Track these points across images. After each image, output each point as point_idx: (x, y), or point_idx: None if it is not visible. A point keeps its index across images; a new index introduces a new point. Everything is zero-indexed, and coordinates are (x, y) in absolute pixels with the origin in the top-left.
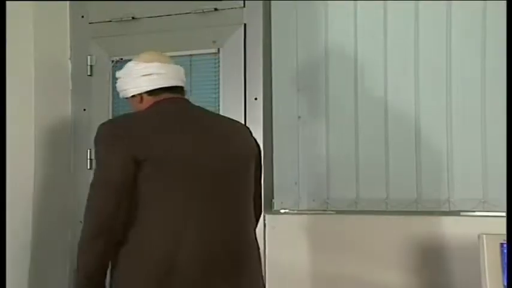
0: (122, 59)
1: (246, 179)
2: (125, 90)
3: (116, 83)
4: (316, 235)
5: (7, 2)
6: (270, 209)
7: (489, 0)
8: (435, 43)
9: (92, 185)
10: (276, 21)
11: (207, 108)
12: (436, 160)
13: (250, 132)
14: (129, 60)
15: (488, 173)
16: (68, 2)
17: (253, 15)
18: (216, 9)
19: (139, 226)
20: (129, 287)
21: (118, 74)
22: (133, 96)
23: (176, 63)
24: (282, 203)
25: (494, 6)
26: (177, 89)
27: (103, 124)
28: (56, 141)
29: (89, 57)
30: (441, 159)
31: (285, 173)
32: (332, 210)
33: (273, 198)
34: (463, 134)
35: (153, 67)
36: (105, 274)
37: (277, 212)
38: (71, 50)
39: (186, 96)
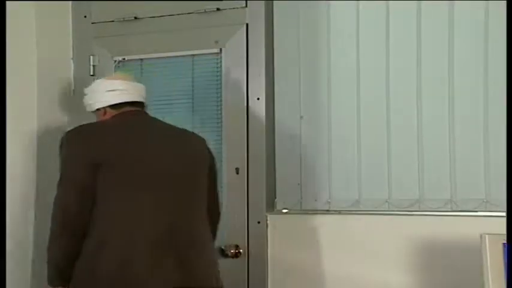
0: (124, 58)
1: (193, 185)
2: (91, 104)
3: (83, 98)
4: (318, 235)
5: (9, 2)
6: (272, 209)
7: (492, 0)
8: (437, 43)
9: (58, 185)
10: (278, 21)
11: (209, 108)
12: (438, 160)
13: (205, 143)
14: (132, 60)
15: (490, 173)
16: (70, 2)
17: (256, 15)
18: (218, 9)
19: (97, 222)
20: (91, 273)
21: (86, 90)
22: (98, 109)
23: (178, 63)
24: (284, 202)
25: (496, 6)
26: (137, 104)
27: (68, 131)
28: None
29: (91, 57)
30: (443, 159)
31: (287, 173)
32: (334, 211)
33: (275, 198)
34: (466, 133)
35: (117, 84)
36: (72, 265)
37: (279, 212)
38: (73, 50)
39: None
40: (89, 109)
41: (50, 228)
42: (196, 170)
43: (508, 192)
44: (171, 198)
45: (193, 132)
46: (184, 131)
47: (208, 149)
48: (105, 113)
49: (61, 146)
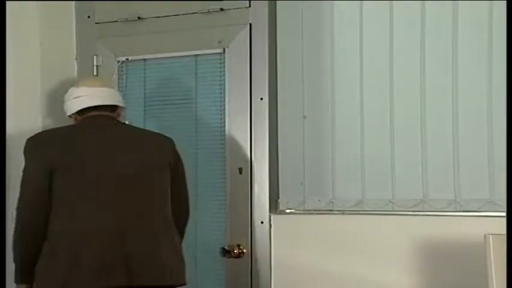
0: (128, 59)
1: (147, 186)
2: (65, 111)
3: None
4: (322, 235)
5: (13, 2)
6: (275, 209)
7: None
8: (441, 43)
9: (20, 190)
10: (282, 21)
11: (212, 108)
12: (442, 160)
13: (169, 144)
14: (135, 60)
15: (494, 173)
16: (73, 2)
17: (259, 15)
18: (221, 9)
19: (53, 224)
20: (47, 273)
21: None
22: (70, 116)
23: (182, 63)
24: (287, 202)
25: (500, 5)
26: (105, 108)
27: (28, 137)
28: None
29: (95, 57)
30: (447, 159)
31: (290, 173)
32: (338, 211)
33: (278, 198)
34: (470, 134)
35: (81, 91)
36: (33, 264)
37: (283, 212)
38: (77, 50)
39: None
40: (67, 115)
41: (14, 229)
42: (152, 171)
43: (508, 192)
44: (120, 200)
45: (157, 134)
46: (145, 133)
47: (172, 150)
48: (76, 119)
49: (23, 152)
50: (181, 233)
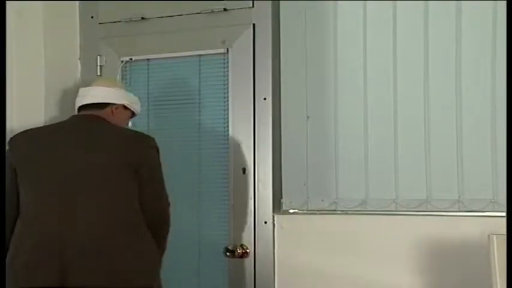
0: (131, 59)
1: (100, 187)
2: None
3: None
4: (325, 235)
5: (16, 2)
6: (278, 209)
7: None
8: (445, 43)
9: None
10: (285, 21)
11: (216, 108)
12: (446, 160)
13: (144, 148)
14: (139, 60)
15: (498, 173)
16: (77, 2)
17: (262, 15)
18: (225, 10)
19: (19, 219)
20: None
21: None
22: None
23: (185, 63)
24: (290, 203)
25: (504, 5)
26: (94, 106)
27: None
28: None
29: (98, 57)
30: (451, 159)
31: (293, 173)
32: (341, 211)
33: (281, 198)
34: (473, 134)
35: (80, 91)
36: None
37: (286, 212)
38: (80, 50)
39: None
40: None
41: None
42: (105, 172)
43: (508, 192)
44: (64, 200)
45: (130, 134)
46: (116, 132)
47: (142, 152)
48: None
49: None
50: (160, 245)
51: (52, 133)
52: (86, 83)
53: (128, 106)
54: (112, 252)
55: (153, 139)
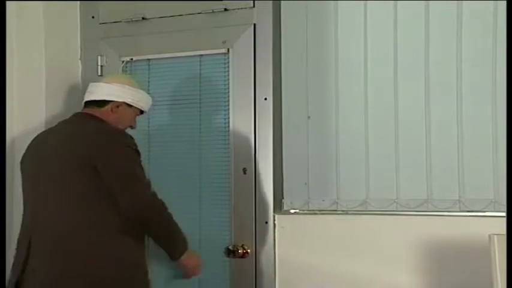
0: (132, 59)
1: (57, 187)
2: None
3: None
4: (326, 235)
5: (17, 2)
6: (279, 209)
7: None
8: (446, 42)
9: None
10: (286, 21)
11: (217, 108)
12: (446, 160)
13: (98, 143)
14: (140, 60)
15: (499, 173)
16: (78, 2)
17: (263, 15)
18: (225, 10)
19: None
20: None
21: None
22: None
23: (186, 63)
24: (291, 203)
25: (505, 5)
26: (92, 103)
27: None
28: None
29: (99, 57)
30: (452, 159)
31: (294, 173)
32: (342, 211)
33: (282, 198)
34: (474, 134)
35: (88, 87)
36: None
37: (287, 212)
38: (81, 50)
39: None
40: None
41: None
42: (62, 171)
43: (508, 193)
44: (33, 201)
45: (94, 131)
46: (79, 130)
47: (96, 147)
48: None
49: None
50: (159, 234)
51: (47, 134)
52: (87, 83)
53: (132, 104)
54: (64, 254)
55: (117, 135)
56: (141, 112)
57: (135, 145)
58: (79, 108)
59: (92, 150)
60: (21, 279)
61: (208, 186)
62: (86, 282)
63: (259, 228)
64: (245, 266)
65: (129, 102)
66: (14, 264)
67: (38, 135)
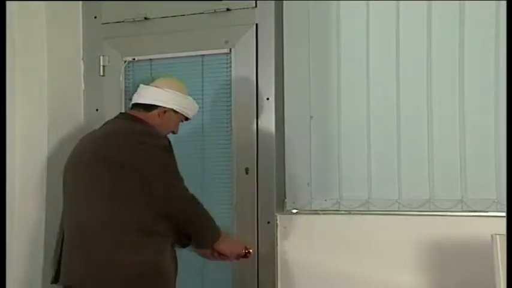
0: (134, 59)
1: (86, 185)
2: None
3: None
4: (328, 235)
5: (20, 2)
6: (281, 209)
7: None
8: (448, 42)
9: None
10: (288, 21)
11: (219, 108)
12: (449, 160)
13: (134, 144)
14: (142, 60)
15: (501, 173)
16: (80, 2)
17: (265, 15)
18: (228, 10)
19: None
20: None
21: None
22: None
23: (188, 63)
24: (294, 203)
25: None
26: (139, 106)
27: None
28: (68, 142)
29: (101, 57)
30: (454, 159)
31: (297, 173)
32: (344, 211)
33: (285, 198)
34: (477, 133)
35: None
36: None
37: (289, 212)
38: (83, 50)
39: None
40: None
41: None
42: (92, 170)
43: (508, 193)
44: (68, 199)
45: (130, 131)
46: (116, 128)
47: (133, 149)
48: None
49: None
50: (197, 232)
51: (89, 135)
52: (89, 82)
53: (178, 110)
54: (95, 253)
55: (155, 136)
56: (186, 119)
57: (171, 146)
58: (82, 107)
59: (128, 150)
60: (57, 273)
61: (210, 186)
62: (106, 277)
63: (261, 228)
64: (247, 266)
65: (175, 109)
66: (53, 257)
67: (81, 137)
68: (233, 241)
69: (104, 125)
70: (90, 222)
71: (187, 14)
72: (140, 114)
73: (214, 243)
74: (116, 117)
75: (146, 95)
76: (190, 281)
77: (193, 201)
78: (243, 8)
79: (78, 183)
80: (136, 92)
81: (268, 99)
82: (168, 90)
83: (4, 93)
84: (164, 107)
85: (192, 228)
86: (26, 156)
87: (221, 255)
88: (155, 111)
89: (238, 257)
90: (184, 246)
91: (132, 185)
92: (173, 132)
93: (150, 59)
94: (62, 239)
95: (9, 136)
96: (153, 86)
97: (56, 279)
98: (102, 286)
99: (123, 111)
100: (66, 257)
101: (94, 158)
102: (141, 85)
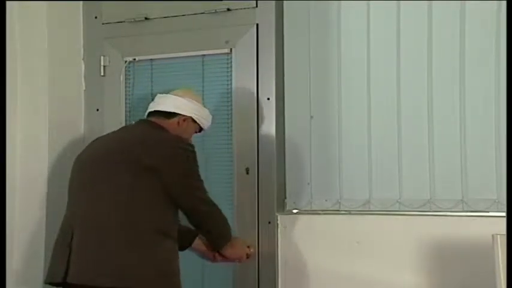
0: (135, 59)
1: (105, 187)
2: None
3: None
4: (329, 235)
5: (20, 2)
6: (282, 209)
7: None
8: (448, 42)
9: None
10: (289, 21)
11: (219, 108)
12: (449, 160)
13: (166, 145)
14: (143, 60)
15: (502, 173)
16: (81, 2)
17: (266, 15)
18: (228, 9)
19: None
20: None
21: None
22: None
23: (189, 63)
24: (294, 203)
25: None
26: (159, 114)
27: None
28: (69, 142)
29: (102, 57)
30: (455, 159)
31: (297, 173)
32: (345, 211)
33: (285, 198)
34: (477, 133)
35: (155, 97)
36: None
37: (290, 212)
38: (84, 50)
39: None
40: None
41: None
42: (111, 172)
43: (508, 193)
44: (79, 199)
45: (156, 136)
46: (139, 133)
47: (156, 153)
48: None
49: None
50: (213, 241)
51: (105, 136)
52: (90, 83)
53: (197, 120)
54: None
55: (179, 140)
56: (200, 130)
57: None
58: (82, 107)
59: (164, 155)
60: (66, 273)
61: (211, 185)
62: (123, 277)
63: (261, 228)
64: (248, 266)
65: (194, 118)
66: (52, 257)
67: (98, 138)
68: (238, 245)
69: (122, 129)
70: (108, 222)
71: (188, 14)
72: (160, 121)
73: (224, 246)
74: (138, 123)
75: (167, 103)
76: (191, 281)
77: (213, 204)
78: (244, 8)
79: (96, 184)
80: (154, 101)
81: (268, 99)
82: (189, 99)
83: (4, 93)
84: (184, 115)
85: (210, 228)
86: (26, 156)
87: (223, 258)
88: (175, 119)
89: (241, 260)
90: (183, 249)
91: (156, 187)
92: None
93: (151, 59)
94: (71, 238)
95: (9, 136)
96: (172, 95)
97: (63, 279)
98: (118, 286)
99: (123, 111)
100: (79, 256)
101: (123, 159)
102: (159, 94)
